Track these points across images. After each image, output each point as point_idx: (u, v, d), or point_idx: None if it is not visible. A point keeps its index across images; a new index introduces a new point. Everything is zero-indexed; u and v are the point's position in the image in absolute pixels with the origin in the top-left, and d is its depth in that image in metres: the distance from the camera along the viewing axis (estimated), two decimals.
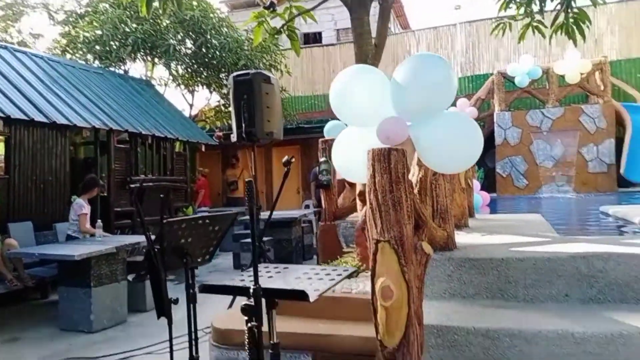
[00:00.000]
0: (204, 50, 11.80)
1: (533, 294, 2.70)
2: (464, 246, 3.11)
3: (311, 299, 1.94)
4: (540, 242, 3.13)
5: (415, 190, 2.65)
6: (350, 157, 2.62)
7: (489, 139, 12.43)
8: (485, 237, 3.47)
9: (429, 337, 2.41)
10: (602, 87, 11.57)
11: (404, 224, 2.12)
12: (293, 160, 2.97)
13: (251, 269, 1.90)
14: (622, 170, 10.76)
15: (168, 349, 2.38)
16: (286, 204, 14.41)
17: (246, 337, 1.84)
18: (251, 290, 1.82)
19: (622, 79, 12.43)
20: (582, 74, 11.48)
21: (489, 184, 12.60)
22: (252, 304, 1.82)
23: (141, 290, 5.21)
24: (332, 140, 2.92)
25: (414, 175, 2.72)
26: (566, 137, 11.56)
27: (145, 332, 4.40)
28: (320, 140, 4.91)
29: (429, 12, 47.37)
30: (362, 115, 2.58)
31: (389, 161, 2.11)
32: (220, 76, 12.34)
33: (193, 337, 2.35)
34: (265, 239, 7.08)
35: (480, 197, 8.64)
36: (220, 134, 12.06)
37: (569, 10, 4.82)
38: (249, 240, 6.92)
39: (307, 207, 11.80)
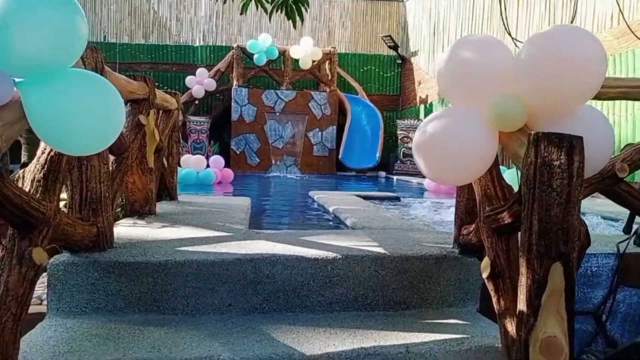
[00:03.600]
0: None
1: (193, 304, 2.26)
2: (124, 244, 2.52)
3: None
4: (217, 239, 2.73)
5: (40, 174, 1.93)
6: None
7: (227, 113, 12.22)
8: (162, 230, 2.94)
9: None
10: (329, 77, 12.40)
11: None
12: None
13: None
14: (340, 156, 11.73)
15: None
16: None
17: None
18: None
19: (348, 71, 13.56)
20: (314, 61, 12.09)
21: (224, 159, 12.41)
22: None
23: None
24: None
25: (44, 152, 1.98)
26: (296, 120, 12.08)
27: None
28: None
29: None
30: None
31: None
32: None
33: None
34: None
35: (214, 174, 8.25)
36: None
37: None
38: None
39: None
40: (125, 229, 2.90)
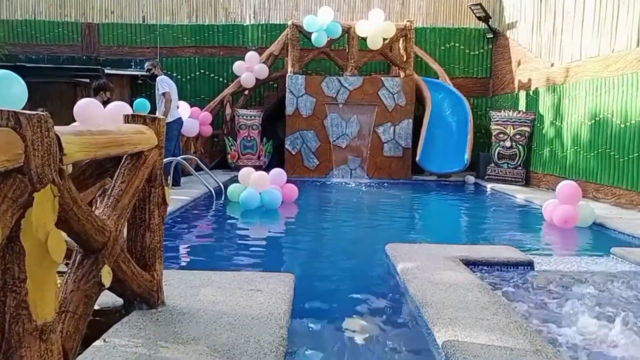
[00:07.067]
0: None
1: None
2: None
3: None
4: None
5: None
6: None
7: (282, 105, 10.30)
8: None
9: None
10: (404, 58, 10.10)
11: None
12: None
13: None
14: (418, 158, 9.51)
15: None
16: None
17: None
18: None
19: (426, 50, 11.20)
20: (385, 39, 9.82)
21: (279, 161, 10.58)
22: None
23: None
24: None
25: None
26: (363, 113, 9.94)
27: None
28: None
29: None
30: None
31: None
32: None
33: None
34: None
35: (280, 195, 6.42)
36: None
37: None
38: None
39: None
40: None
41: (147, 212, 2.45)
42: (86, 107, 5.20)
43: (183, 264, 3.98)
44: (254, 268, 4.02)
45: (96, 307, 2.20)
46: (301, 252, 4.62)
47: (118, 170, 2.20)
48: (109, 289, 2.13)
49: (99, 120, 5.19)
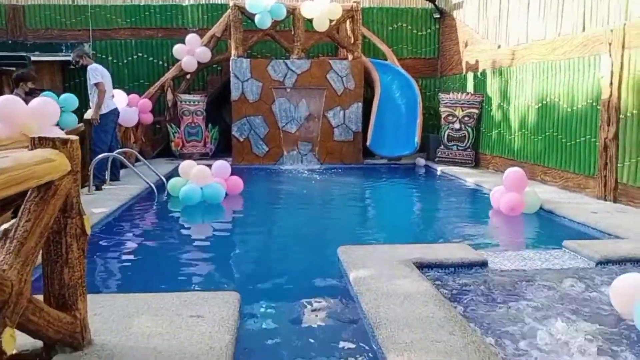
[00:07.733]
0: None
1: None
2: None
3: None
4: None
5: None
6: None
7: (227, 89, 9.88)
8: None
9: None
10: (352, 40, 9.85)
11: None
12: None
13: None
14: (368, 142, 9.36)
15: None
16: None
17: None
18: None
19: (374, 31, 10.97)
20: (331, 20, 9.52)
21: (225, 147, 10.23)
22: None
23: None
24: None
25: None
26: (311, 97, 9.66)
27: None
28: None
29: None
30: None
31: None
32: None
33: None
34: None
35: (223, 190, 6.11)
36: None
37: None
38: None
39: None
40: None
41: (63, 246, 2.14)
42: (5, 104, 4.69)
43: (117, 283, 3.65)
44: (194, 279, 3.76)
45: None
46: (245, 259, 4.36)
47: (22, 207, 1.88)
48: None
49: (20, 119, 4.71)
